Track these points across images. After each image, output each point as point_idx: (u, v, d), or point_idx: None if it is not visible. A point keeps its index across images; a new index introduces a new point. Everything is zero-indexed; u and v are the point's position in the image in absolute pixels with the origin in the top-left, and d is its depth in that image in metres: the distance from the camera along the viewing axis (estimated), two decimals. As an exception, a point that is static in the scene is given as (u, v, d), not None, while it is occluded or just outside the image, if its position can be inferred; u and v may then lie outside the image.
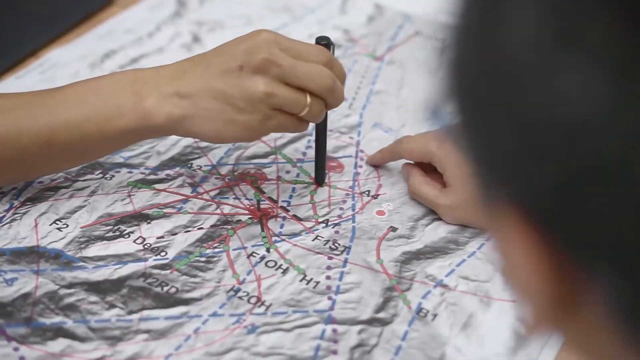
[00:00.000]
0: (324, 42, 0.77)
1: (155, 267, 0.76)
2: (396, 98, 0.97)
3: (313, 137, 0.90)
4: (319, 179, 0.84)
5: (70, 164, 0.81)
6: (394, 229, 0.81)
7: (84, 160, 0.81)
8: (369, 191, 0.85)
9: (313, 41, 0.97)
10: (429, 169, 0.82)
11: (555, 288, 0.36)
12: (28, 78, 0.98)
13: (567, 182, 0.33)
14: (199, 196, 0.83)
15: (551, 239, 0.35)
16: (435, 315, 0.73)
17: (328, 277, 0.76)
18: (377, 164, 0.87)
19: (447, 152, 0.77)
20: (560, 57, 0.32)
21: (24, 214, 0.81)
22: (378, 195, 0.84)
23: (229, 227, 0.80)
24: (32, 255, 0.77)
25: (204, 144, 0.89)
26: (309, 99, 0.74)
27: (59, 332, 0.71)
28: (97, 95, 0.76)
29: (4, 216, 0.81)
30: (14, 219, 0.80)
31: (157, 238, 0.79)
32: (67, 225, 0.80)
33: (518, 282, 0.39)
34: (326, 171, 0.86)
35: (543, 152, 0.34)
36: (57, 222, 0.80)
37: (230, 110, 0.73)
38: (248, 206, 0.83)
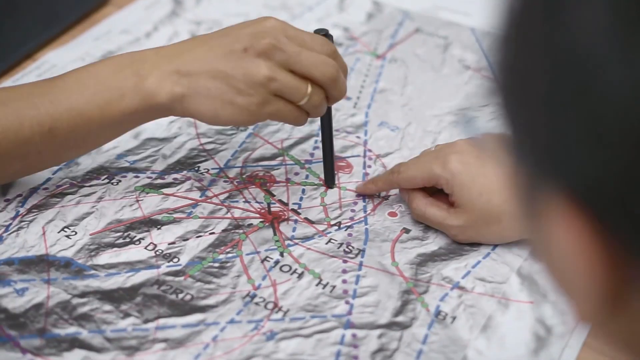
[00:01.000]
0: (322, 34, 0.77)
1: (168, 274, 0.75)
2: (400, 96, 0.96)
3: (320, 138, 0.89)
4: (329, 182, 0.83)
5: (74, 153, 0.79)
6: (407, 231, 0.80)
7: (86, 148, 0.79)
8: (379, 193, 0.84)
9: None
10: (429, 190, 0.80)
11: (607, 282, 0.36)
12: (26, 81, 0.96)
13: (631, 167, 0.33)
14: (209, 200, 0.82)
15: (605, 231, 0.35)
16: (454, 318, 0.72)
17: (344, 281, 0.75)
18: (369, 193, 0.83)
19: (452, 173, 0.76)
20: (634, 41, 0.32)
21: (31, 221, 0.79)
22: (389, 196, 0.83)
23: (241, 231, 0.79)
24: (41, 264, 0.76)
25: (210, 146, 0.88)
26: (309, 87, 0.74)
27: (75, 342, 0.70)
28: (97, 79, 0.75)
29: (10, 224, 0.79)
30: (21, 227, 0.79)
31: (169, 244, 0.78)
32: (76, 233, 0.78)
33: (565, 279, 0.39)
34: (335, 172, 0.85)
35: (609, 138, 0.33)
36: (66, 229, 0.79)
37: (229, 91, 0.73)
38: (259, 209, 0.82)
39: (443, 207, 0.78)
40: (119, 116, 0.74)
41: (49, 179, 0.84)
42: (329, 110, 0.79)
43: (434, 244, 0.79)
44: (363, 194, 0.83)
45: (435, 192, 0.80)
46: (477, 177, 0.75)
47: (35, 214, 0.80)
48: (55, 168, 0.85)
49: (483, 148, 0.78)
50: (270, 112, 0.74)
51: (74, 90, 0.74)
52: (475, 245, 0.79)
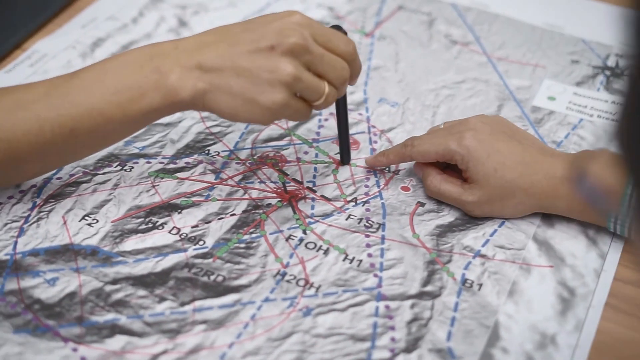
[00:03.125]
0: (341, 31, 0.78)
1: (196, 256, 0.76)
2: (395, 72, 0.98)
3: (323, 117, 0.90)
4: (345, 160, 0.85)
5: (93, 150, 0.77)
6: (422, 204, 0.82)
7: (105, 145, 0.77)
8: (389, 167, 0.86)
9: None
10: (440, 165, 0.82)
11: None
12: (18, 72, 0.95)
13: None
14: (225, 182, 0.83)
15: None
16: (480, 285, 0.75)
17: (369, 255, 0.77)
18: (380, 166, 0.85)
19: (468, 149, 0.78)
20: None
21: (50, 211, 0.79)
22: (399, 170, 0.85)
23: (261, 211, 0.80)
24: (67, 253, 0.76)
25: (216, 129, 0.89)
26: (327, 88, 0.74)
27: (115, 329, 0.70)
28: (116, 76, 0.73)
29: (29, 215, 0.79)
30: (41, 217, 0.79)
31: (192, 227, 0.79)
32: (97, 221, 0.79)
33: None
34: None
35: None
36: (86, 217, 0.79)
37: (253, 89, 0.71)
38: (275, 189, 0.83)
39: (457, 183, 0.80)
40: (141, 114, 0.73)
41: (60, 169, 0.83)
42: (344, 96, 0.81)
43: (449, 215, 0.81)
44: (373, 167, 0.85)
45: (446, 167, 0.82)
46: (492, 154, 0.77)
47: (52, 203, 0.80)
48: (66, 157, 0.84)
49: (495, 124, 0.80)
50: (290, 112, 0.73)
51: (94, 90, 0.73)
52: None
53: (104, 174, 0.83)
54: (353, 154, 0.87)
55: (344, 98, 0.81)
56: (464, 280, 0.75)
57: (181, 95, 0.72)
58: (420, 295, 0.74)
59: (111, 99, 0.73)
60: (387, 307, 0.73)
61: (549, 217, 0.80)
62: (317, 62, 0.73)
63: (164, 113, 0.74)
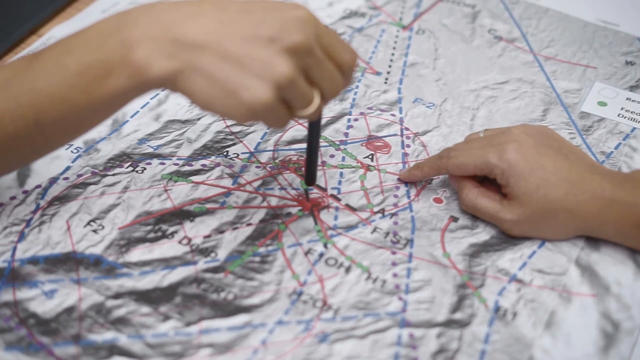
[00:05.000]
0: None
1: (207, 270, 0.70)
2: (433, 70, 0.91)
3: (352, 117, 0.84)
4: (308, 181, 0.77)
5: (65, 140, 0.68)
6: (455, 219, 0.75)
7: (79, 134, 0.68)
8: (421, 176, 0.79)
9: (333, 9, 0.91)
10: (478, 179, 0.75)
11: None
12: (32, 58, 0.90)
13: None
14: (242, 188, 0.77)
15: None
16: (515, 314, 0.68)
17: (395, 275, 0.71)
18: (415, 180, 0.78)
19: (509, 163, 0.71)
20: None
21: (53, 215, 0.74)
22: (432, 180, 0.79)
23: (280, 221, 0.74)
24: (69, 262, 0.70)
25: (236, 128, 0.83)
26: (318, 98, 0.64)
27: (114, 350, 0.65)
28: (79, 54, 0.63)
29: (32, 219, 0.73)
30: (43, 222, 0.73)
31: (204, 237, 0.73)
32: (103, 227, 0.73)
33: None
34: (372, 152, 0.80)
35: None
36: (92, 223, 0.73)
37: (237, 81, 0.60)
38: (296, 197, 0.76)
39: (495, 198, 0.73)
40: (109, 97, 0.63)
41: (68, 168, 0.78)
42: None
43: (484, 232, 0.74)
44: (408, 181, 0.78)
45: (484, 180, 0.75)
46: (535, 169, 0.71)
47: (57, 206, 0.75)
48: (74, 155, 0.79)
49: (540, 137, 0.73)
50: (270, 117, 0.62)
51: (54, 74, 0.63)
52: (528, 232, 0.74)
53: (113, 175, 0.78)
54: (383, 158, 0.80)
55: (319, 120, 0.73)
56: (497, 308, 0.69)
57: (150, 74, 0.61)
58: (448, 324, 0.67)
59: (73, 82, 0.63)
60: (411, 335, 0.66)
61: (594, 239, 0.73)
62: (316, 69, 0.63)
63: (135, 94, 0.64)
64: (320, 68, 0.63)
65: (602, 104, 0.87)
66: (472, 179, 0.75)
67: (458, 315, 0.68)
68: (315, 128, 0.72)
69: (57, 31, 0.93)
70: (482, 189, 0.74)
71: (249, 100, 0.60)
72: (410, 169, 0.78)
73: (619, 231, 0.71)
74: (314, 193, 0.77)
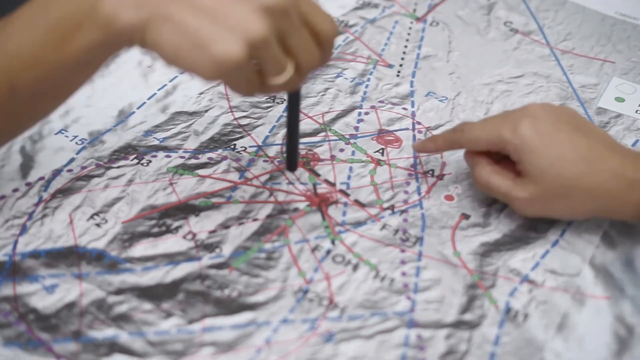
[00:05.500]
0: None
1: (211, 266, 0.69)
2: (446, 63, 0.89)
3: (363, 110, 0.82)
4: (290, 166, 0.75)
5: (47, 105, 0.66)
6: (466, 217, 0.73)
7: (60, 98, 0.66)
8: (432, 170, 0.77)
9: None
10: (495, 157, 0.73)
11: None
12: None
13: None
14: (249, 182, 0.75)
15: None
16: (526, 316, 0.66)
17: (403, 274, 0.69)
18: (428, 152, 0.77)
19: (523, 138, 0.69)
20: None
21: (56, 208, 0.72)
22: (443, 175, 0.77)
23: (287, 216, 0.73)
24: (71, 256, 0.69)
25: (245, 121, 0.81)
26: (291, 68, 0.62)
27: (114, 347, 0.63)
28: (48, 12, 0.61)
29: (34, 211, 0.72)
30: (46, 215, 0.72)
31: (209, 232, 0.71)
32: (107, 221, 0.72)
33: None
34: (383, 146, 0.78)
35: None
36: (95, 216, 0.72)
37: (209, 33, 0.57)
38: (304, 192, 0.75)
39: (509, 176, 0.71)
40: (80, 53, 0.60)
41: (72, 160, 0.77)
42: (299, 91, 0.70)
43: (496, 231, 0.72)
44: (420, 152, 0.77)
45: (501, 159, 0.72)
46: (550, 146, 0.68)
47: (60, 199, 0.73)
48: (79, 147, 0.78)
49: (559, 114, 0.71)
50: (238, 78, 0.60)
51: (25, 34, 0.61)
52: (541, 231, 0.72)
53: (118, 167, 0.76)
54: (394, 152, 0.78)
55: (298, 92, 0.71)
56: (508, 310, 0.67)
57: (117, 24, 0.59)
58: (457, 325, 0.66)
59: (44, 40, 0.61)
60: (418, 336, 0.65)
61: (609, 237, 0.71)
62: (291, 35, 0.60)
63: (107, 50, 0.61)
64: (296, 35, 0.61)
65: (620, 99, 0.85)
66: (487, 156, 0.72)
67: (468, 316, 0.66)
68: (293, 104, 0.70)
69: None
70: (496, 166, 0.71)
71: (219, 55, 0.57)
72: (424, 141, 0.75)
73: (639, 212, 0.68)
74: (322, 188, 0.75)
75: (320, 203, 0.74)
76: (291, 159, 0.75)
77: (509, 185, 0.70)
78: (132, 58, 0.87)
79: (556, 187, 0.68)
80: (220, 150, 0.78)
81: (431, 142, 0.75)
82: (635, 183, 0.67)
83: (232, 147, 0.78)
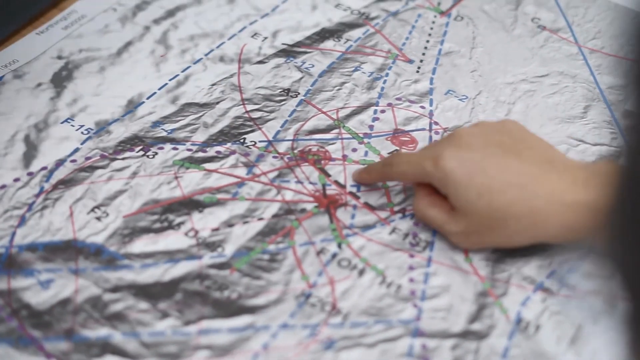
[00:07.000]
0: None
1: (212, 266, 0.66)
2: (469, 60, 0.86)
3: (379, 108, 0.79)
4: None
5: None
6: (480, 220, 0.70)
7: None
8: (446, 173, 0.74)
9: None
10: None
11: None
12: (51, 34, 0.86)
13: None
14: (256, 179, 0.73)
15: None
16: (538, 327, 0.63)
17: (411, 280, 0.66)
18: (364, 184, 0.72)
19: (445, 171, 0.64)
20: None
21: (57, 199, 0.70)
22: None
23: (293, 217, 0.70)
24: (69, 251, 0.67)
25: (257, 114, 0.78)
26: None
27: (106, 347, 0.61)
28: None
29: (34, 202, 0.70)
30: (46, 206, 0.70)
31: (212, 230, 0.69)
32: (107, 215, 0.69)
33: None
34: (397, 147, 0.76)
35: None
36: (96, 210, 0.70)
37: None
38: (312, 192, 0.72)
39: (445, 208, 0.66)
40: None
41: (77, 150, 0.74)
42: None
43: (511, 236, 0.69)
44: (358, 183, 0.72)
45: None
46: (475, 175, 0.64)
47: (61, 190, 0.71)
48: (84, 137, 0.76)
49: (490, 135, 0.67)
50: None
51: None
52: (558, 239, 0.69)
53: (123, 159, 0.74)
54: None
55: None
56: (519, 320, 0.64)
57: None
58: (465, 335, 0.63)
59: None
60: (423, 346, 0.62)
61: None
62: None
63: None
64: None
65: (649, 102, 0.81)
66: (428, 185, 0.67)
67: (476, 326, 0.63)
68: None
69: (79, 5, 0.90)
70: (434, 197, 0.67)
71: None
72: (361, 172, 0.72)
73: (591, 237, 0.63)
74: (332, 189, 0.72)
75: (329, 205, 0.71)
76: None
77: (443, 218, 0.66)
78: (145, 46, 0.84)
79: (488, 218, 0.64)
80: (229, 144, 0.75)
81: (366, 173, 0.72)
82: (576, 206, 0.62)
83: (242, 141, 0.76)
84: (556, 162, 0.65)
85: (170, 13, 0.89)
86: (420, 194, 0.68)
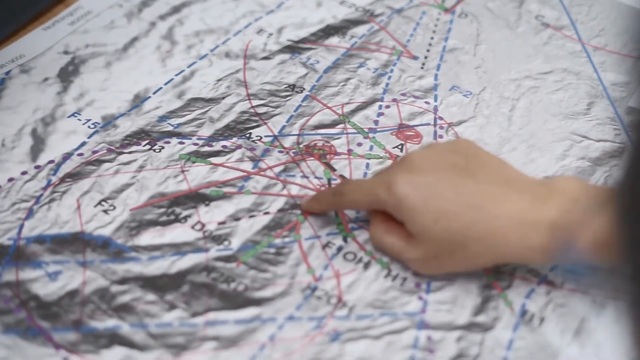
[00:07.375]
0: None
1: (218, 259, 0.67)
2: (473, 57, 0.86)
3: (384, 104, 0.80)
4: None
5: None
6: (485, 214, 0.70)
7: None
8: (450, 168, 0.74)
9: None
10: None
11: None
12: (57, 29, 0.87)
13: None
14: (262, 173, 0.73)
15: None
16: (542, 319, 0.64)
17: (416, 273, 0.66)
18: (314, 213, 0.70)
19: (398, 197, 0.62)
20: None
21: (64, 192, 0.71)
22: (463, 172, 0.74)
23: (299, 212, 0.70)
24: (76, 243, 0.67)
25: (262, 109, 0.79)
26: None
27: (114, 338, 0.62)
28: None
29: (42, 195, 0.71)
30: (53, 199, 0.70)
31: (219, 224, 0.69)
32: (114, 207, 0.70)
33: None
34: (402, 142, 0.76)
35: None
36: (103, 202, 0.70)
37: None
38: (318, 186, 0.73)
39: (403, 235, 0.64)
40: None
41: (84, 143, 0.75)
42: None
43: (516, 231, 0.70)
44: (308, 211, 0.70)
45: None
46: (430, 200, 0.61)
47: (69, 183, 0.72)
48: (91, 131, 0.76)
49: (443, 157, 0.65)
50: None
51: None
52: (562, 233, 0.69)
53: (130, 153, 0.74)
54: (413, 149, 0.76)
55: None
56: (524, 312, 0.64)
57: None
58: (470, 327, 0.63)
59: None
60: (429, 338, 0.63)
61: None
62: None
63: None
64: None
65: (652, 99, 0.82)
66: (383, 212, 0.65)
67: (481, 318, 0.64)
68: None
69: (85, 2, 0.90)
70: (390, 224, 0.65)
71: None
72: (310, 200, 0.69)
73: (552, 257, 0.62)
74: (337, 183, 0.73)
75: (335, 197, 0.71)
76: None
77: (400, 245, 0.65)
78: (151, 42, 0.85)
79: (446, 243, 0.62)
80: (234, 139, 0.76)
81: (315, 202, 0.69)
82: (537, 225, 0.60)
83: (248, 135, 0.76)
84: (513, 181, 0.63)
85: (176, 9, 0.90)
86: (376, 221, 0.66)
